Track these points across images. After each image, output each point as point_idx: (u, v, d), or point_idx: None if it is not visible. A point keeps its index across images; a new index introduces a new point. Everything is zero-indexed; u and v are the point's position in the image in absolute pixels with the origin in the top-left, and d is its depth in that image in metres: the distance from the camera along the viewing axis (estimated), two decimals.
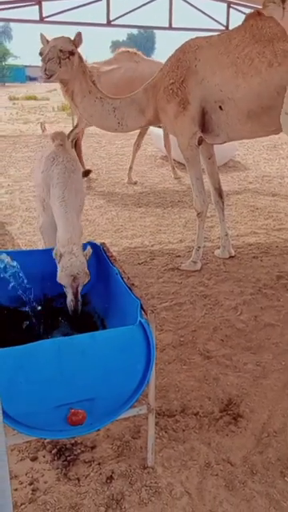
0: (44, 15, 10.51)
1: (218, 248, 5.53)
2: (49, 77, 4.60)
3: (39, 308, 2.88)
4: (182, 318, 4.13)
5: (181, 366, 3.46)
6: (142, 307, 2.31)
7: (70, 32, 4.67)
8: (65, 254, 2.83)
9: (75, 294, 2.83)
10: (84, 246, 2.97)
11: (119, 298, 2.65)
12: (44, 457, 2.61)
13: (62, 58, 4.55)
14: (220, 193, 5.31)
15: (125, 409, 2.28)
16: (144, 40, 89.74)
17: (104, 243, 3.11)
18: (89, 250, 2.92)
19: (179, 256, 5.48)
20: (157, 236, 6.25)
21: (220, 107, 4.53)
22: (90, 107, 4.81)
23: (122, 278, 2.65)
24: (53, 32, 5.01)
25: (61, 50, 4.52)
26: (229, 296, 4.55)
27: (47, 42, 4.74)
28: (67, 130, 8.14)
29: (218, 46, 4.53)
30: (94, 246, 3.05)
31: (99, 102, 4.77)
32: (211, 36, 4.80)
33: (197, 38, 4.77)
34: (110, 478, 2.46)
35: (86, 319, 2.88)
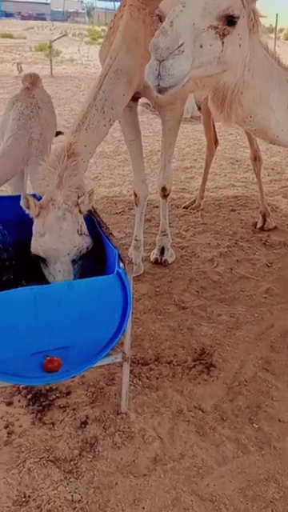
0: None
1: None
2: None
3: (15, 254, 2.82)
4: (158, 269, 4.14)
5: (156, 315, 3.50)
6: (119, 257, 2.30)
7: None
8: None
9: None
10: None
11: (97, 248, 2.62)
12: (19, 401, 2.64)
13: None
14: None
15: (100, 357, 2.31)
16: None
17: None
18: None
19: (157, 207, 5.42)
20: None
21: None
22: None
23: (101, 228, 2.62)
24: None
25: None
26: (205, 248, 4.57)
27: None
28: (44, 72, 7.64)
29: None
30: None
31: None
32: None
33: None
34: (85, 423, 2.51)
35: None
